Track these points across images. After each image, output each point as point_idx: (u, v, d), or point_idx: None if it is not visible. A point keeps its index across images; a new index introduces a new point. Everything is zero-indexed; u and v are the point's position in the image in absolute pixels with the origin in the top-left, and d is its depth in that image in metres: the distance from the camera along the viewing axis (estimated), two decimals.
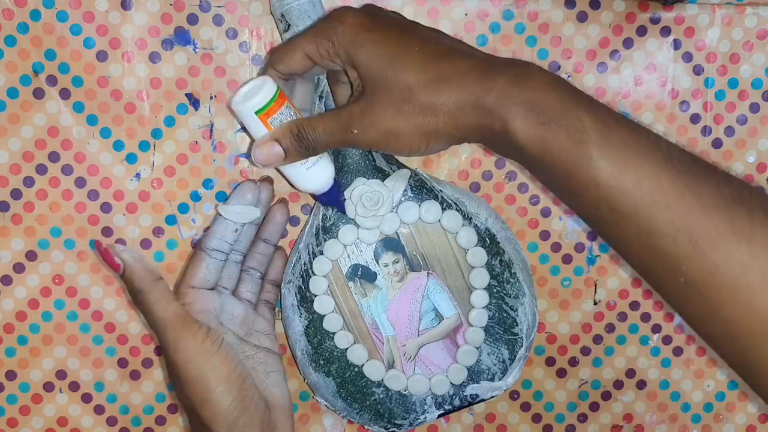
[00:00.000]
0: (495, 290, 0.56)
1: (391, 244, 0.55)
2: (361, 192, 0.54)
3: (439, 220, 0.55)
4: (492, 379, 0.57)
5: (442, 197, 0.55)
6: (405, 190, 0.55)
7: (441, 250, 0.56)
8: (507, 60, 0.46)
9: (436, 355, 0.56)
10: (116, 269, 0.50)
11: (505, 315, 0.56)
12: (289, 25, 0.53)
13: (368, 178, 0.54)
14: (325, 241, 0.55)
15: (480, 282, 0.56)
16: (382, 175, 0.55)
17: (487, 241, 0.56)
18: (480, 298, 0.56)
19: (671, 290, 0.43)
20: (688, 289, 0.42)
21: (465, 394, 0.57)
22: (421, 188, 0.55)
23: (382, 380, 0.56)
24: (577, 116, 0.43)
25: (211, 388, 0.49)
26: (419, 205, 0.55)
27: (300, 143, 0.49)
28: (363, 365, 0.56)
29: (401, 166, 0.55)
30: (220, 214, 0.52)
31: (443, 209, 0.55)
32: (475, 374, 0.57)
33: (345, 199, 0.54)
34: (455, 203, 0.55)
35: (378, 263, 0.55)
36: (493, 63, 0.46)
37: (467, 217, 0.55)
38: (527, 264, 0.57)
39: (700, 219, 0.41)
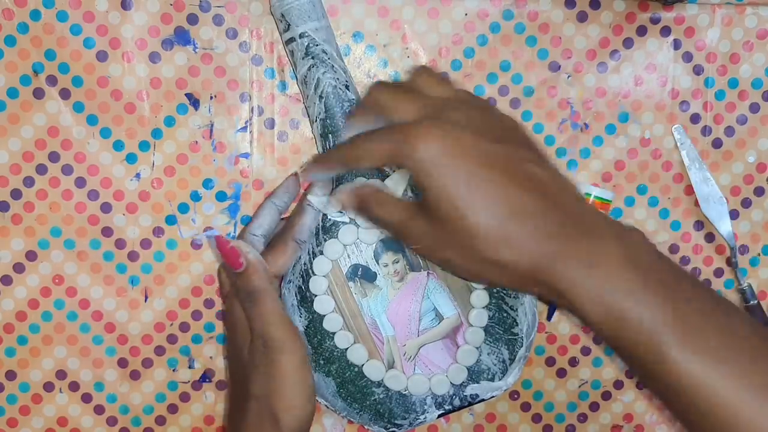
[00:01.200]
0: (495, 290, 0.56)
1: (391, 244, 0.55)
2: None
3: None
4: (492, 379, 0.57)
5: None
6: (405, 190, 0.55)
7: None
8: (581, 222, 0.43)
9: (436, 355, 0.56)
10: (236, 267, 0.50)
11: (505, 315, 0.56)
12: (289, 25, 0.53)
13: (368, 178, 0.54)
14: (325, 241, 0.55)
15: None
16: (383, 175, 0.55)
17: None
18: (480, 297, 0.56)
19: None
20: None
21: (465, 394, 0.57)
22: None
23: (382, 380, 0.56)
24: (653, 310, 0.41)
25: (304, 397, 0.50)
26: None
27: (361, 209, 0.49)
28: (363, 365, 0.56)
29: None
30: (310, 205, 0.54)
31: None
32: (475, 374, 0.57)
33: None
34: None
35: (378, 263, 0.55)
36: (565, 233, 0.43)
37: None
38: None
39: None
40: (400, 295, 0.56)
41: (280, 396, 0.50)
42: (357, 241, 0.55)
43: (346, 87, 0.54)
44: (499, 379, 0.57)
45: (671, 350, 0.41)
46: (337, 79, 0.54)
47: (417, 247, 0.47)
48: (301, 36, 0.53)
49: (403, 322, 0.56)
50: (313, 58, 0.53)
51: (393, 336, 0.56)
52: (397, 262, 0.55)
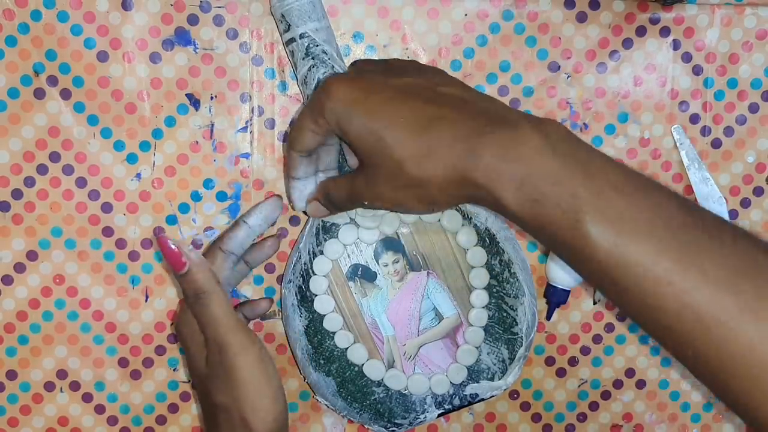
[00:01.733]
0: (495, 290, 0.56)
1: (391, 243, 0.55)
2: None
3: (439, 220, 0.55)
4: (492, 379, 0.57)
5: None
6: None
7: (441, 249, 0.56)
8: (497, 118, 0.44)
9: (436, 355, 0.57)
10: (179, 268, 0.49)
11: (504, 314, 0.56)
12: (289, 25, 0.53)
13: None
14: (325, 240, 0.55)
15: (480, 282, 0.56)
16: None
17: (487, 240, 0.56)
18: (480, 297, 0.56)
19: (681, 359, 0.42)
20: (697, 360, 0.41)
21: (465, 393, 0.57)
22: None
23: (382, 380, 0.57)
24: (570, 190, 0.41)
25: (270, 396, 0.49)
26: None
27: (328, 203, 0.51)
28: (363, 365, 0.56)
29: None
30: (245, 222, 0.54)
31: None
32: (474, 374, 0.57)
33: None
34: None
35: (378, 263, 0.56)
36: (479, 129, 0.43)
37: (467, 217, 0.55)
38: (527, 264, 0.57)
39: (705, 296, 0.40)
40: (400, 295, 0.56)
41: (244, 400, 0.49)
42: (357, 241, 0.55)
43: None
44: (499, 379, 0.57)
45: (588, 225, 0.41)
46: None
47: (369, 203, 0.48)
48: (301, 36, 0.53)
49: (403, 321, 0.56)
50: (313, 58, 0.53)
51: (393, 335, 0.56)
52: (397, 262, 0.56)
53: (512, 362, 0.56)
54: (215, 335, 0.49)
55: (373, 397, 0.57)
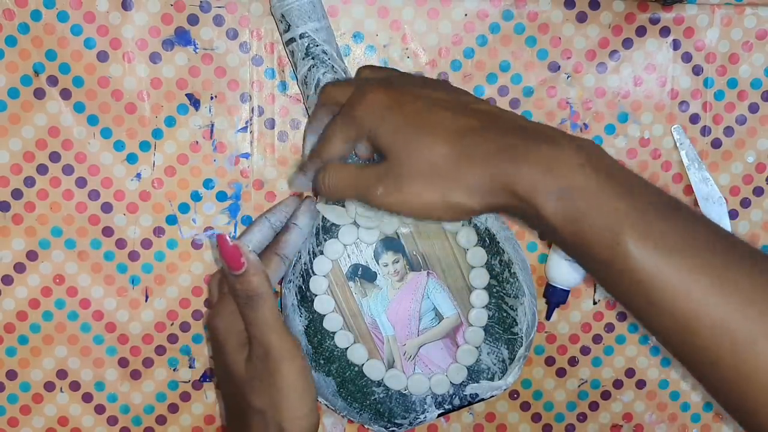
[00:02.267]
0: (495, 290, 0.56)
1: (391, 243, 0.55)
2: None
3: None
4: (492, 379, 0.57)
5: None
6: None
7: (441, 249, 0.56)
8: (537, 134, 0.44)
9: (435, 355, 0.57)
10: (237, 268, 0.48)
11: (504, 314, 0.56)
12: (289, 25, 0.53)
13: None
14: (326, 240, 0.55)
15: (480, 282, 0.56)
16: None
17: (487, 240, 0.56)
18: (480, 297, 0.56)
19: (708, 380, 0.42)
20: (725, 383, 0.41)
21: (465, 393, 0.57)
22: None
23: (382, 380, 0.57)
24: (612, 206, 0.41)
25: (308, 407, 0.49)
26: None
27: (317, 184, 0.49)
28: (363, 365, 0.56)
29: None
30: (296, 225, 0.54)
31: None
32: (474, 374, 0.57)
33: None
34: None
35: (378, 263, 0.56)
36: (520, 143, 0.43)
37: None
38: (527, 264, 0.57)
39: (739, 320, 0.40)
40: (400, 295, 0.56)
41: (285, 407, 0.49)
42: (357, 241, 0.55)
43: None
44: (499, 379, 0.57)
45: (628, 245, 0.41)
46: (337, 79, 0.54)
47: (387, 200, 0.46)
48: (301, 36, 0.53)
49: (403, 321, 0.56)
50: (313, 58, 0.53)
51: (393, 335, 0.56)
52: (397, 262, 0.56)
53: (512, 362, 0.56)
54: (263, 338, 0.49)
55: (373, 397, 0.57)
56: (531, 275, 0.57)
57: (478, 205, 0.44)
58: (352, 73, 0.57)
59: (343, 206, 0.55)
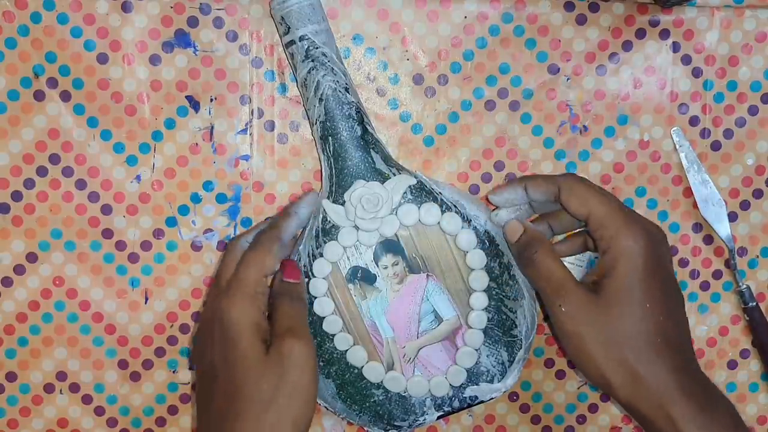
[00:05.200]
0: (494, 292, 0.56)
1: (390, 246, 0.55)
2: (360, 194, 0.54)
3: (439, 223, 0.55)
4: (491, 381, 0.57)
5: (441, 199, 0.55)
6: (404, 193, 0.55)
7: (440, 252, 0.56)
8: (694, 388, 0.49)
9: (435, 357, 0.57)
10: (295, 278, 0.54)
11: (504, 317, 0.56)
12: (289, 27, 0.53)
13: (368, 181, 0.55)
14: (325, 243, 0.55)
15: (479, 284, 0.56)
16: (382, 178, 0.55)
17: (487, 243, 0.56)
18: (479, 300, 0.56)
19: None
20: None
21: (464, 395, 0.57)
22: (421, 190, 0.55)
23: (382, 382, 0.57)
24: None
25: (312, 408, 0.51)
26: (419, 208, 0.55)
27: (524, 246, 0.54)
28: (362, 367, 0.56)
29: (401, 168, 0.56)
30: (296, 212, 0.56)
31: (443, 211, 0.55)
32: (474, 376, 0.57)
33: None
34: (455, 205, 0.55)
35: (377, 265, 0.56)
36: (686, 383, 0.49)
37: (466, 220, 0.55)
38: None
39: None
40: (400, 297, 0.56)
41: (293, 405, 0.49)
42: (357, 244, 0.55)
43: (346, 90, 0.54)
44: (498, 381, 0.57)
45: None
46: (337, 81, 0.54)
47: (567, 309, 0.50)
48: (301, 39, 0.53)
49: (403, 324, 0.56)
50: (313, 60, 0.53)
51: (392, 338, 0.56)
52: (397, 265, 0.56)
53: (512, 364, 0.57)
54: (291, 331, 0.50)
55: (372, 400, 0.57)
56: None
57: (624, 402, 0.50)
58: (352, 75, 0.57)
59: (342, 204, 0.55)
